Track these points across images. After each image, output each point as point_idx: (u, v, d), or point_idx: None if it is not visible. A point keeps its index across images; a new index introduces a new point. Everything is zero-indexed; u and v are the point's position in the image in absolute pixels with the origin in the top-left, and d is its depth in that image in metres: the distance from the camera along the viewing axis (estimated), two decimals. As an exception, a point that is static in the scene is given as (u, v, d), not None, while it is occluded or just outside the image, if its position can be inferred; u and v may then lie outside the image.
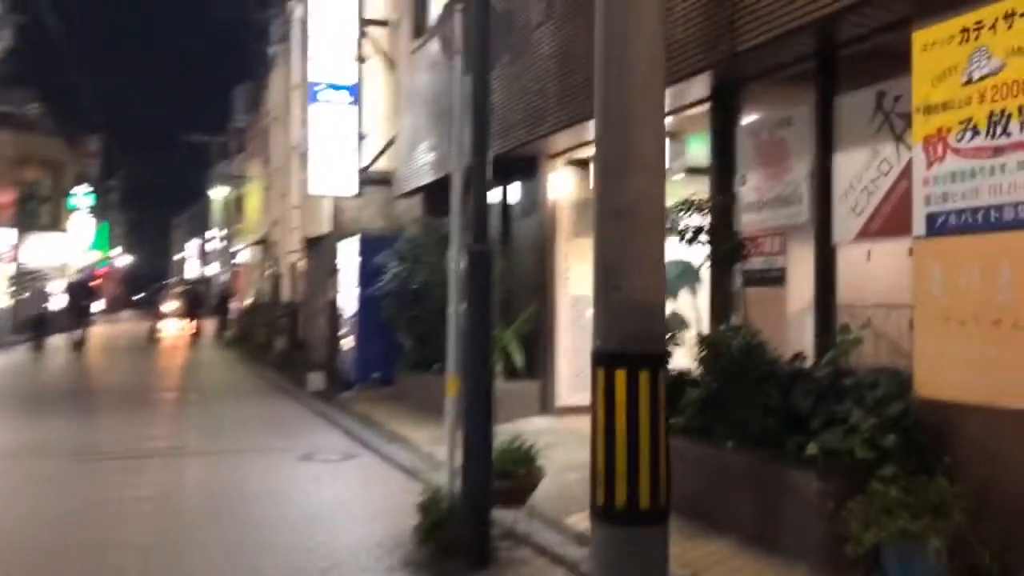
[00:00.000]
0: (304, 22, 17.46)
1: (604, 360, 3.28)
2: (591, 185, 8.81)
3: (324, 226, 15.28)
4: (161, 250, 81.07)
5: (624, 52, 3.25)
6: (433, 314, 10.36)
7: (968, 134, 3.80)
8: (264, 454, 7.94)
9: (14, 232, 30.05)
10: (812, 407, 4.34)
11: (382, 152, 13.92)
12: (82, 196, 35.20)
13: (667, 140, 7.92)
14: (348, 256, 12.49)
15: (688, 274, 9.44)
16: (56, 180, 33.70)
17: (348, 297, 12.42)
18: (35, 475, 6.93)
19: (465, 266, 4.68)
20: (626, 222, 3.21)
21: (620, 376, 3.18)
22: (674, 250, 9.56)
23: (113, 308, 58.26)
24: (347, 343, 12.35)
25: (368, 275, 11.68)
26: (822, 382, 4.44)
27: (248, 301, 25.08)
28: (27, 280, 19.74)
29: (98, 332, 24.33)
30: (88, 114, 54.59)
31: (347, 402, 11.41)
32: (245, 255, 28.36)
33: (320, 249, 14.55)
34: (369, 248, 11.91)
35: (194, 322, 25.62)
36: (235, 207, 36.36)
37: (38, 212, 32.94)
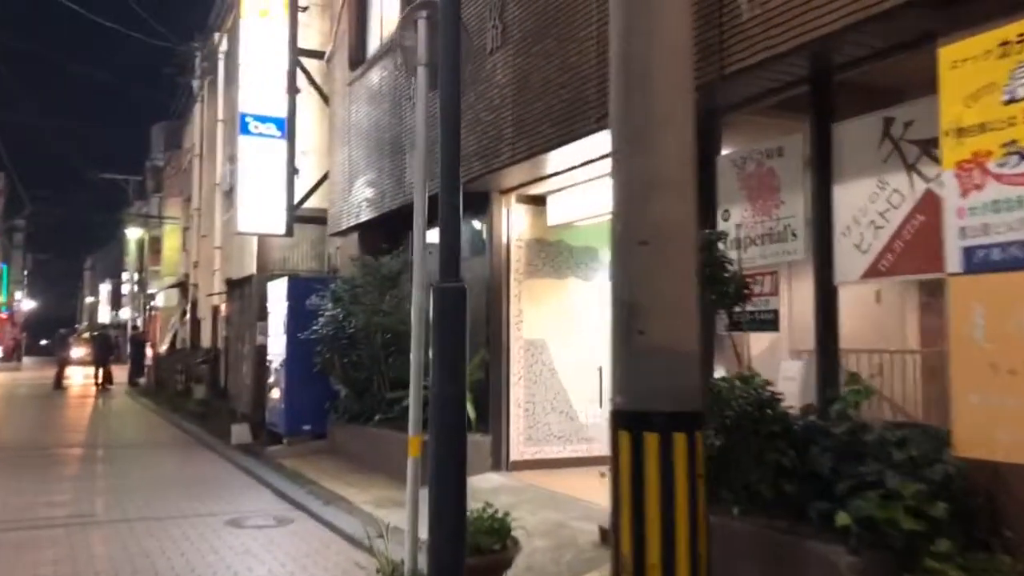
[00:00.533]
0: (230, 55, 16.70)
1: (629, 421, 2.67)
2: (547, 222, 8.31)
3: (249, 267, 14.36)
4: (70, 293, 77.38)
5: (647, 49, 2.71)
6: (372, 361, 9.65)
7: (1013, 158, 3.39)
8: (185, 521, 7.01)
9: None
10: (833, 467, 3.82)
11: (314, 188, 13.19)
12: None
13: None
14: (276, 298, 11.63)
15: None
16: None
17: (276, 342, 11.54)
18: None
19: (434, 306, 4.03)
20: (653, 251, 2.65)
21: (651, 441, 2.58)
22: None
23: (13, 355, 54.93)
24: (275, 392, 11.44)
25: (298, 319, 10.86)
26: (840, 439, 3.93)
27: (165, 346, 23.63)
28: None
29: (-4, 381, 22.51)
30: (-7, 150, 51.85)
31: (276, 457, 10.48)
32: (162, 299, 26.86)
33: (244, 292, 13.62)
34: (300, 290, 11.10)
35: (104, 369, 24.03)
36: (152, 248, 34.69)
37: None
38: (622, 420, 2.71)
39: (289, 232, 12.52)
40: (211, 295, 17.52)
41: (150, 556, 5.79)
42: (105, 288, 59.61)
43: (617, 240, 2.82)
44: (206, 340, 18.71)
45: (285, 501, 8.00)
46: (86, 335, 39.48)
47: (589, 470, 8.21)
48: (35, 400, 20.58)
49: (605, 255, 8.78)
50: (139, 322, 32.71)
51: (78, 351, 34.97)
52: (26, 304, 59.71)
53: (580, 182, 7.60)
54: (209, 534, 6.53)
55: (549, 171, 7.51)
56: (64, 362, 25.38)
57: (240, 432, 12.04)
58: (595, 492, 7.03)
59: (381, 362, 9.41)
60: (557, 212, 8.14)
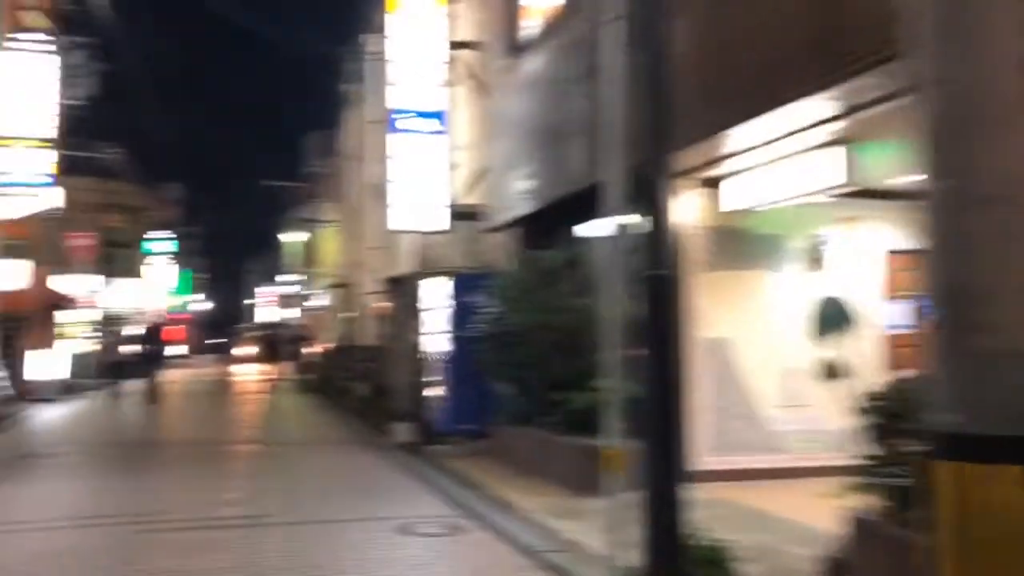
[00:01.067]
0: (381, 55, 16.80)
1: (969, 449, 1.99)
2: (721, 208, 7.58)
3: (405, 266, 14.34)
4: (237, 295, 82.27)
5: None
6: (536, 360, 9.22)
7: None
8: (354, 526, 6.81)
9: (99, 278, 30.22)
10: None
11: (469, 184, 12.93)
12: (161, 243, 35.39)
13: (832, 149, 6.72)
14: (435, 297, 11.44)
15: (841, 313, 8.09)
16: (136, 226, 33.98)
17: (436, 341, 11.35)
18: (86, 551, 5.91)
19: (643, 298, 3.49)
20: (1000, 214, 1.96)
21: (1006, 478, 1.90)
22: (821, 286, 8.34)
23: (192, 352, 58.94)
24: (436, 391, 11.25)
25: (459, 317, 10.62)
26: None
27: (325, 345, 24.37)
28: (108, 325, 19.17)
29: (175, 377, 23.85)
30: (167, 161, 55.75)
31: (438, 457, 10.27)
32: (322, 299, 27.79)
33: (402, 290, 13.58)
34: (460, 287, 10.85)
35: (271, 366, 25.04)
36: (310, 251, 36.11)
37: (119, 258, 33.20)
38: (955, 447, 2.01)
39: (446, 229, 12.31)
40: (369, 294, 17.74)
41: (323, 567, 5.56)
42: (270, 290, 62.93)
43: (938, 199, 2.11)
44: (365, 339, 19.00)
45: (453, 506, 7.69)
46: (255, 334, 41.60)
47: (781, 484, 7.45)
48: (211, 395, 21.64)
49: (791, 243, 7.96)
50: (302, 321, 34.09)
51: (247, 349, 36.81)
52: (203, 306, 63.90)
53: (762, 163, 6.85)
54: (380, 541, 6.27)
55: (731, 150, 6.80)
56: (235, 360, 26.65)
57: (402, 430, 11.94)
58: (799, 510, 6.28)
59: (547, 362, 8.95)
60: (733, 197, 7.41)
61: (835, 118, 5.83)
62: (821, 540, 5.14)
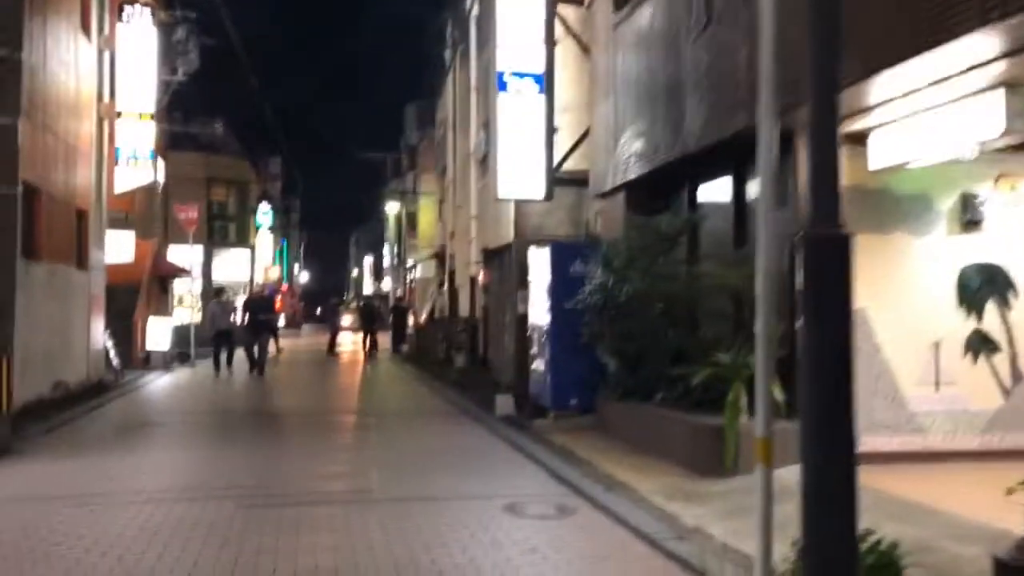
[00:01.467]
0: (482, 17, 16.35)
1: None
2: (867, 166, 6.83)
3: (505, 235, 13.96)
4: (338, 267, 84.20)
5: None
6: (648, 332, 8.69)
7: None
8: (461, 503, 6.49)
9: (205, 250, 31.11)
10: None
11: (573, 148, 12.40)
12: (264, 215, 36.18)
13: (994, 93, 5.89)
14: (538, 266, 11.01)
15: (996, 282, 7.26)
16: (241, 199, 34.82)
17: (539, 312, 10.93)
18: (184, 527, 5.75)
19: (805, 261, 2.95)
20: None
21: None
22: (972, 251, 7.48)
23: (294, 323, 60.55)
24: (538, 364, 10.85)
25: (563, 287, 10.16)
26: None
27: (424, 316, 24.36)
28: (214, 296, 19.42)
29: (278, 347, 24.32)
30: (269, 135, 57.00)
31: (543, 432, 9.89)
32: (420, 270, 27.81)
33: (503, 260, 13.22)
34: (563, 256, 10.37)
35: (371, 337, 25.20)
36: (409, 222, 36.28)
37: (224, 230, 34.13)
38: None
39: (549, 196, 11.85)
40: (468, 264, 17.47)
41: (430, 549, 5.24)
42: (368, 261, 64.03)
43: None
44: (464, 309, 18.80)
45: (561, 484, 7.29)
46: (353, 305, 42.31)
47: (925, 469, 6.74)
48: (313, 365, 21.94)
49: (940, 204, 7.14)
50: (399, 292, 34.33)
51: (347, 319, 37.40)
52: (303, 277, 65.60)
53: (918, 111, 6.08)
54: (488, 521, 5.91)
55: (877, 99, 6.06)
56: (336, 330, 27.00)
57: (504, 403, 11.63)
58: (951, 500, 5.61)
59: (660, 333, 8.42)
60: (882, 152, 6.65)
61: (997, 59, 5.07)
62: (986, 537, 4.49)
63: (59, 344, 12.86)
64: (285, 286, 57.65)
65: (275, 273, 43.83)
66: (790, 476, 6.86)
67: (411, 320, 25.51)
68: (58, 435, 9.85)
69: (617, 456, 8.19)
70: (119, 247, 17.86)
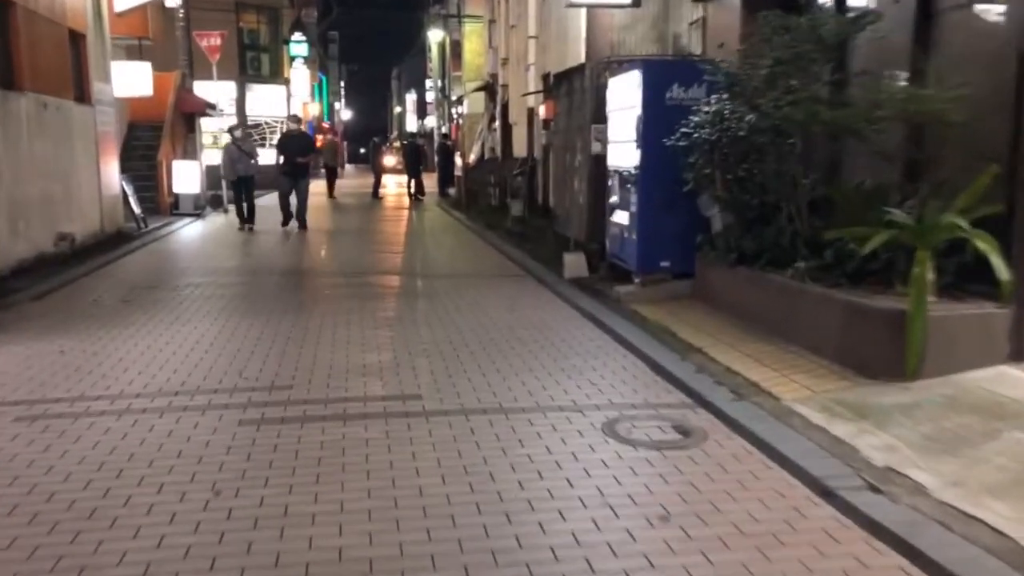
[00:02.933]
0: None
1: None
2: None
3: (573, 56, 11.59)
4: (380, 104, 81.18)
5: None
6: (779, 178, 6.59)
7: None
8: (541, 419, 4.74)
9: (233, 85, 28.89)
10: None
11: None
12: (300, 45, 33.46)
13: None
14: (622, 93, 8.79)
15: None
16: (273, 28, 32.09)
17: (622, 151, 8.81)
18: (169, 453, 4.14)
19: None
20: None
21: None
22: None
23: (332, 164, 58.66)
24: (619, 216, 8.85)
25: (657, 119, 8.00)
26: None
27: (472, 156, 22.22)
28: (230, 133, 16.49)
29: (315, 190, 22.45)
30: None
31: (627, 302, 8.05)
32: (467, 105, 25.33)
33: (572, 86, 10.93)
34: (660, 79, 8.13)
35: (416, 180, 23.30)
36: (453, 52, 33.34)
37: (258, 62, 31.68)
38: None
39: (637, 1, 9.38)
40: (526, 95, 15.13)
41: (507, 506, 3.51)
42: (411, 98, 61.04)
43: None
44: (520, 148, 16.62)
45: (670, 383, 5.49)
46: (397, 144, 40.13)
47: None
48: (355, 211, 20.19)
49: None
50: (445, 130, 31.93)
51: (391, 160, 35.35)
52: (344, 114, 63.06)
53: None
54: (586, 457, 4.16)
55: None
56: (380, 171, 25.09)
57: (574, 263, 9.76)
58: None
59: (798, 180, 6.32)
60: None
61: None
62: None
63: (60, 191, 11.17)
64: (327, 124, 55.37)
65: (314, 110, 41.50)
66: (988, 382, 4.96)
67: (458, 161, 23.36)
68: (49, 302, 8.29)
69: (733, 341, 6.34)
70: (133, 79, 15.82)
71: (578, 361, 6.04)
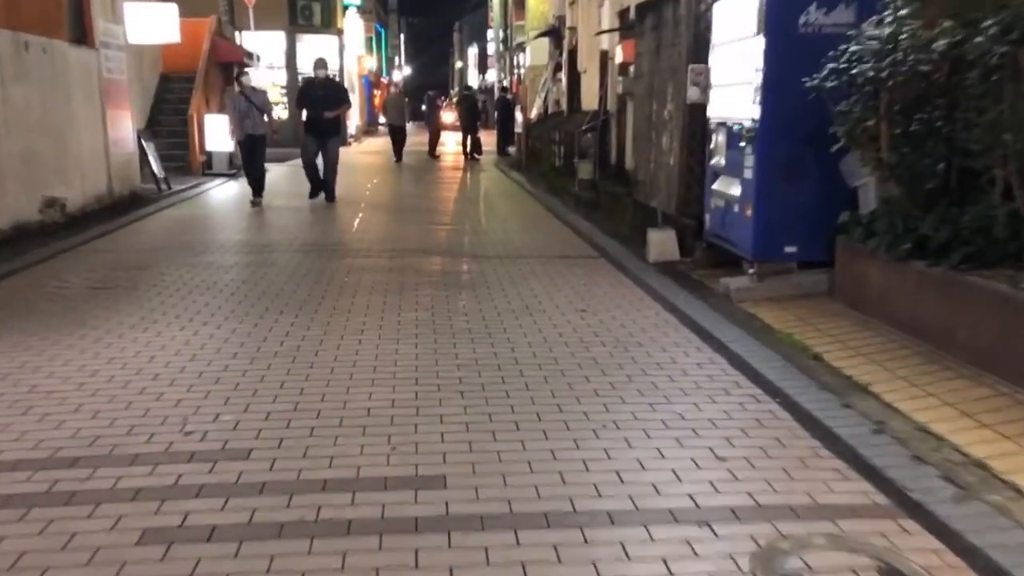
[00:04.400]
0: None
1: None
2: None
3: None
4: (442, 59, 78.99)
5: None
6: (993, 131, 4.41)
7: None
8: (642, 539, 2.79)
9: (283, 35, 27.22)
10: None
11: None
12: (353, -6, 31.49)
13: None
14: (733, 22, 6.63)
15: None
16: (324, -26, 30.13)
17: (733, 100, 6.69)
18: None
19: None
20: None
21: None
22: None
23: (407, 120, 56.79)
24: (727, 184, 6.74)
25: (787, 54, 5.89)
26: None
27: (535, 111, 20.06)
28: (237, 81, 12.30)
29: (367, 148, 20.65)
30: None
31: (741, 300, 6.01)
32: (530, 55, 23.08)
33: (659, 20, 8.73)
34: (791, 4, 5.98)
35: (472, 137, 21.30)
36: (515, 1, 30.94)
37: (309, 11, 29.84)
38: None
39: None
40: (599, 33, 12.92)
41: None
42: (472, 52, 58.74)
43: None
44: (589, 101, 14.45)
45: (837, 454, 3.48)
46: (453, 101, 38.06)
47: None
48: (407, 171, 18.31)
49: None
50: (505, 82, 29.72)
51: (450, 116, 33.38)
52: (403, 70, 61.14)
53: None
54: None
55: None
56: (437, 128, 23.14)
57: (662, 244, 7.70)
58: None
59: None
60: None
61: None
62: None
63: (49, 148, 9.50)
64: (385, 79, 53.49)
65: (370, 63, 39.63)
66: None
67: (518, 117, 21.22)
68: (4, 289, 6.61)
69: (915, 374, 4.30)
70: (155, 23, 14.05)
71: (685, 407, 4.04)
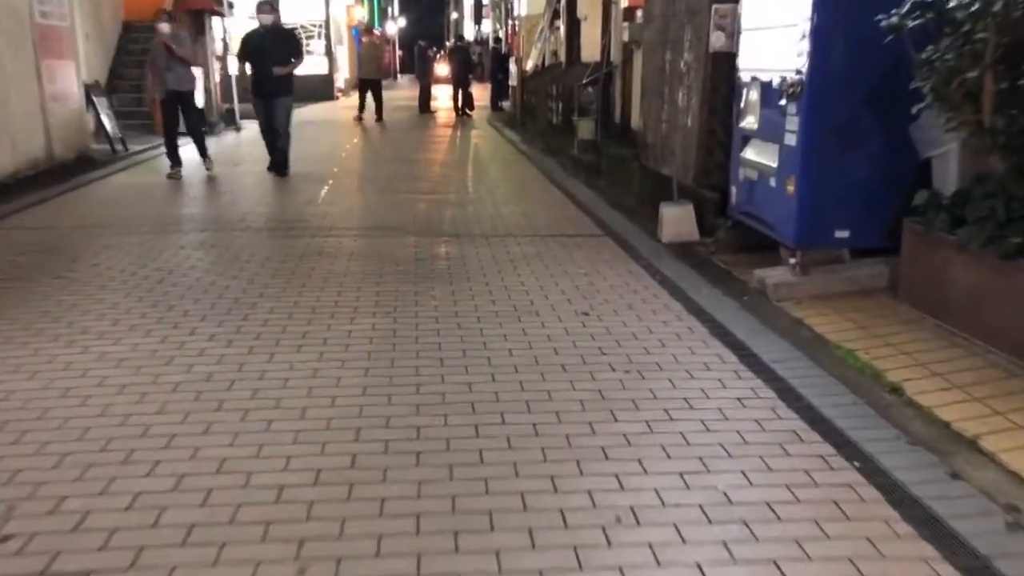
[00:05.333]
0: None
1: None
2: None
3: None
4: (437, 10, 76.58)
5: None
6: None
7: None
8: None
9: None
10: None
11: None
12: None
13: None
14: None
15: None
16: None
17: (768, 46, 5.42)
18: None
19: None
20: None
21: None
22: None
23: (381, 74, 54.93)
24: (761, 151, 5.50)
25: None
26: None
27: (530, 63, 18.62)
28: (157, 27, 9.84)
29: (352, 104, 19.21)
30: None
31: (783, 299, 4.83)
32: (525, 3, 21.53)
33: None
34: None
35: (463, 91, 19.88)
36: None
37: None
38: None
39: None
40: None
41: None
42: (468, 2, 56.62)
43: None
44: (590, 52, 13.07)
45: (961, 572, 2.32)
46: (446, 54, 36.35)
47: None
48: (391, 130, 16.93)
49: None
50: (500, 32, 28.11)
51: (445, 69, 31.79)
52: (398, 21, 59.01)
53: None
54: None
55: None
56: (428, 82, 21.66)
57: (678, 220, 6.49)
58: None
59: None
60: None
61: None
62: None
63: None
64: (377, 31, 51.52)
65: (360, 13, 37.81)
66: None
67: (512, 69, 19.76)
68: None
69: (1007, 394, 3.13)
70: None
71: (730, 477, 2.86)
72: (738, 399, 3.54)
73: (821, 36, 4.73)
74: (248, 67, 9.93)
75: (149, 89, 10.63)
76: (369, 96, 18.19)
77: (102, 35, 14.18)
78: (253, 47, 9.91)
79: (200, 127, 10.42)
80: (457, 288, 5.19)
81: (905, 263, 4.63)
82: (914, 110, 4.20)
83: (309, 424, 3.25)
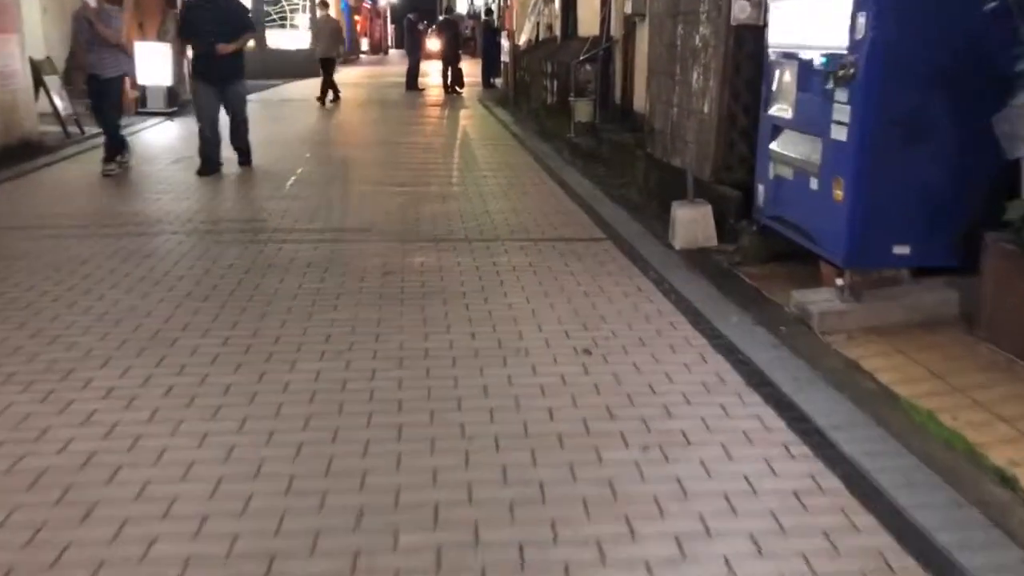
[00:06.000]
0: None
1: None
2: None
3: None
4: (428, -17, 74.82)
5: None
6: None
7: None
8: None
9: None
10: None
11: None
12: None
13: None
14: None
15: None
16: None
17: (807, 19, 4.47)
18: None
19: None
20: None
21: None
22: None
23: (380, 48, 53.51)
24: (798, 146, 4.55)
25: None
26: None
27: (523, 38, 17.55)
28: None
29: (342, 80, 18.04)
30: None
31: (831, 332, 3.92)
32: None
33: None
34: None
35: (453, 68, 18.84)
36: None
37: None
38: None
39: None
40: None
41: None
42: (460, -26, 55.06)
43: None
44: (588, 26, 12.04)
45: None
46: (436, 28, 35.10)
47: None
48: (375, 109, 15.87)
49: None
50: (493, 6, 26.93)
51: (435, 43, 30.60)
52: (387, -6, 57.50)
53: None
54: None
55: None
56: (417, 58, 20.52)
57: (693, 223, 5.55)
58: None
59: None
60: None
61: None
62: None
63: None
64: (368, 4, 50.04)
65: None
66: None
67: (504, 44, 18.69)
68: None
69: None
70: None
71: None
72: (795, 493, 2.63)
73: (883, 6, 3.77)
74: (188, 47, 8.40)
75: (72, 70, 9.07)
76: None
77: (61, 7, 13.06)
78: (193, 22, 8.42)
79: (115, 123, 8.62)
80: (430, 315, 4.25)
81: (987, 291, 3.70)
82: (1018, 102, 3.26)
83: (204, 546, 2.32)
